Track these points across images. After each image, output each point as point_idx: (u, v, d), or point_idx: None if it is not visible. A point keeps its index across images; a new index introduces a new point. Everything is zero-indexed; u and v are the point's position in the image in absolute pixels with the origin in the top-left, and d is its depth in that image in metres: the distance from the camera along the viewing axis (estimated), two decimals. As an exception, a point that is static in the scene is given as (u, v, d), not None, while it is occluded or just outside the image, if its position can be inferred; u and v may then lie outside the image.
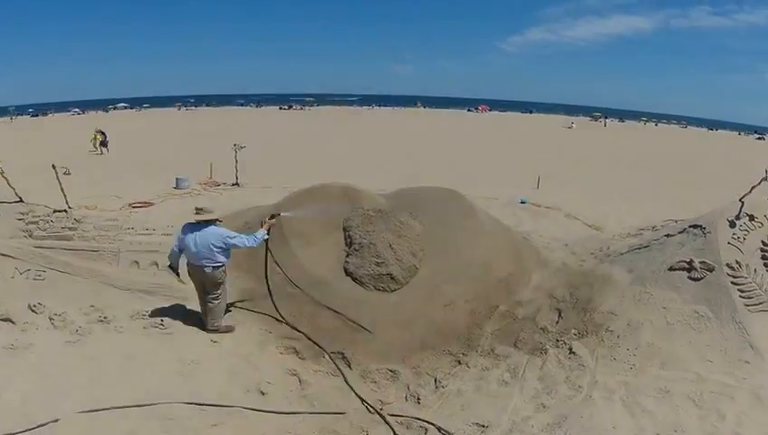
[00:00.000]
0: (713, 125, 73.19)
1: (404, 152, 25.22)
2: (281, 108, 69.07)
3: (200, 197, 13.21)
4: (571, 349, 5.19)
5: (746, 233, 5.64)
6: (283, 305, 5.92)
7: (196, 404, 4.36)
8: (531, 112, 76.14)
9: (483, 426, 4.37)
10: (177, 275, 5.54)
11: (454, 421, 4.46)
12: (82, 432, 3.96)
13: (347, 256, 6.25)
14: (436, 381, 5.17)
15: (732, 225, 5.74)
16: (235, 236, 5.32)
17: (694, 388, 4.51)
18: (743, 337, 4.96)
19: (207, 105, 71.96)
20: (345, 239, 6.43)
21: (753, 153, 33.49)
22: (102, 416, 4.16)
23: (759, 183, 5.93)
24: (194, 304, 5.90)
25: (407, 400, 4.91)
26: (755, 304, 5.17)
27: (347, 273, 6.11)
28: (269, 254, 6.04)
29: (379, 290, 5.96)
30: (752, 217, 5.74)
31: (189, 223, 5.37)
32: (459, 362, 5.40)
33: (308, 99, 78.42)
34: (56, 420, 4.06)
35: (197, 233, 5.25)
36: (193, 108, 69.53)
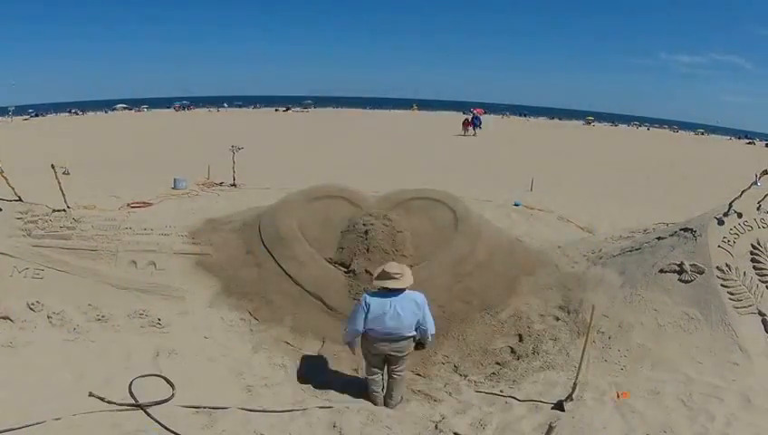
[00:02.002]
0: (704, 129, 73.49)
1: (400, 154, 25.25)
2: (278, 109, 68.99)
3: (198, 197, 13.25)
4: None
5: (736, 236, 5.71)
6: (281, 305, 5.99)
7: (193, 407, 4.39)
8: (526, 116, 76.62)
9: (476, 425, 4.43)
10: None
11: (447, 420, 4.52)
12: (80, 431, 3.99)
13: (344, 255, 6.30)
14: (429, 380, 5.22)
15: (720, 223, 5.82)
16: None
17: (683, 389, 4.57)
18: (732, 339, 5.03)
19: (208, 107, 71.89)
20: (343, 241, 6.47)
21: (744, 157, 33.66)
22: (100, 414, 4.19)
23: (749, 187, 5.98)
24: (191, 304, 5.96)
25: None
26: (744, 307, 5.24)
27: (346, 273, 6.17)
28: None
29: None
30: (741, 219, 5.81)
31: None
32: (452, 363, 5.46)
33: (307, 101, 78.33)
34: (57, 419, 4.10)
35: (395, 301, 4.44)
36: (193, 107, 69.58)
